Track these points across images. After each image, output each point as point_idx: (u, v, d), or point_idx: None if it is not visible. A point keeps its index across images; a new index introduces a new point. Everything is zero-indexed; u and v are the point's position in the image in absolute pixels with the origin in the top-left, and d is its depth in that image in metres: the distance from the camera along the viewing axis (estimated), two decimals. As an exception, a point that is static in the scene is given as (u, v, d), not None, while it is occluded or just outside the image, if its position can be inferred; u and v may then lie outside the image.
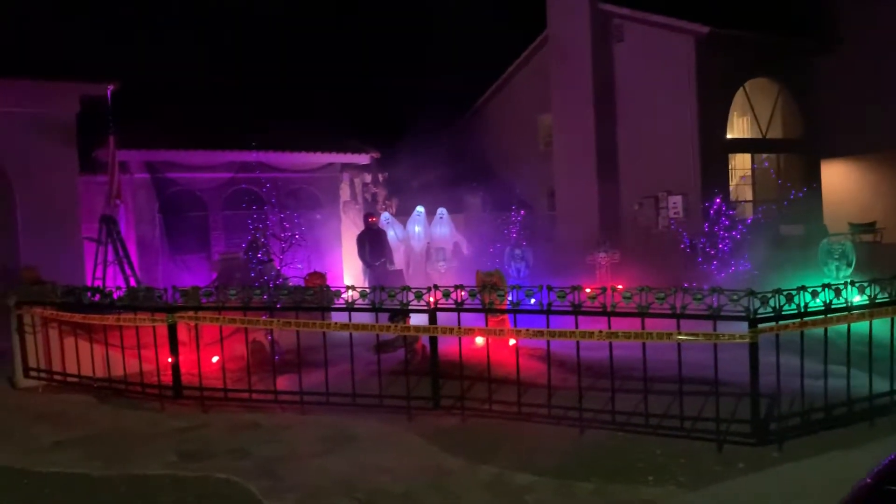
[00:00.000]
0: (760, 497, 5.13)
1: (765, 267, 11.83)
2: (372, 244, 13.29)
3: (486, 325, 7.00)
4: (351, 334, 7.13)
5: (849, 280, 6.17)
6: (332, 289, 7.16)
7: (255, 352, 8.98)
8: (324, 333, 7.17)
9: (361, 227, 16.02)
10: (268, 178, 14.75)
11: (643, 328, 6.00)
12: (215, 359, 8.98)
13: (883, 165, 18.96)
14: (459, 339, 6.92)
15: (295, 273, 12.21)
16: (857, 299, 6.17)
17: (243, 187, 15.29)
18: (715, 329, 5.81)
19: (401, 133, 19.56)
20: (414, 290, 6.84)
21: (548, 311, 6.36)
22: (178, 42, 16.12)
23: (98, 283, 12.12)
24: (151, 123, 14.21)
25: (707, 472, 5.51)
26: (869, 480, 2.80)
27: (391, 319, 7.92)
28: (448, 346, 7.87)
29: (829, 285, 6.04)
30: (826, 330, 6.01)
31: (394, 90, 21.84)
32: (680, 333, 5.82)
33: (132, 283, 12.42)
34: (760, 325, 5.70)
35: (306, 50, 19.64)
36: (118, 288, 8.59)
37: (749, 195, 18.36)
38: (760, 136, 18.70)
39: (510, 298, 6.51)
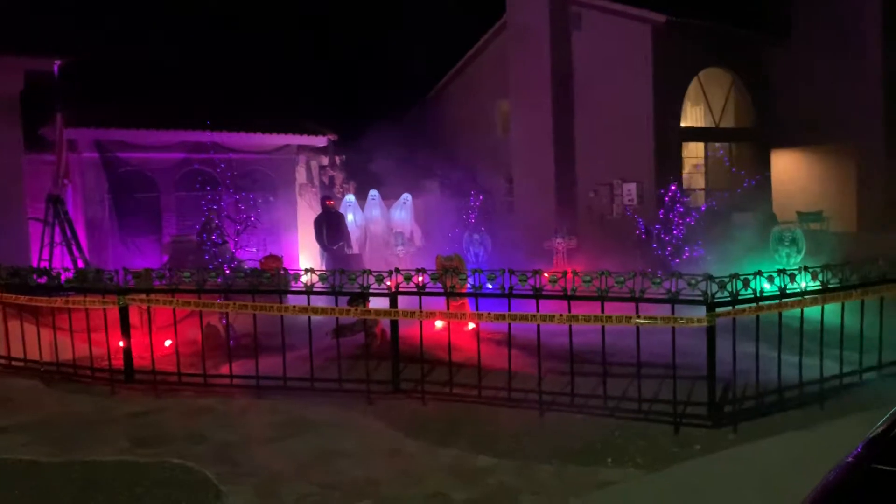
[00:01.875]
0: (716, 477, 5.22)
1: (718, 253, 12.05)
2: (330, 227, 13.13)
3: (448, 308, 6.96)
4: (310, 318, 7.04)
5: (801, 266, 6.30)
6: (291, 272, 7.03)
7: (209, 336, 8.79)
8: (281, 317, 7.06)
9: (318, 210, 15.84)
10: (222, 159, 14.42)
11: (602, 312, 6.04)
12: (168, 343, 8.80)
13: (829, 156, 19.45)
14: (420, 323, 6.87)
15: (250, 256, 11.99)
16: (803, 285, 6.28)
17: (196, 168, 14.93)
18: (673, 313, 5.88)
19: (359, 116, 19.37)
20: (375, 274, 6.77)
21: (509, 295, 6.37)
22: (130, 17, 15.61)
23: (45, 264, 11.75)
24: (101, 101, 13.75)
25: (664, 453, 5.59)
26: (851, 460, 2.83)
27: (350, 303, 7.85)
28: (408, 330, 7.81)
29: (783, 271, 6.16)
30: (780, 314, 6.13)
31: (352, 72, 21.60)
32: (639, 317, 5.88)
33: (80, 265, 12.07)
34: (718, 310, 5.78)
35: (264, 29, 19.25)
36: (66, 269, 8.33)
37: (701, 183, 18.69)
38: (713, 126, 19.02)
39: (471, 282, 6.48)
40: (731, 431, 5.92)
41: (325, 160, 16.43)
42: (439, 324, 8.71)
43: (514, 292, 6.35)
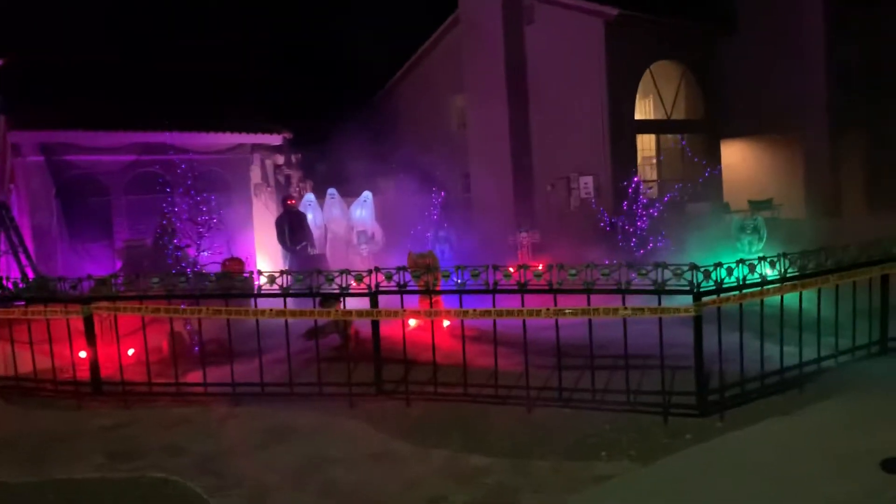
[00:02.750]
0: (710, 466, 5.24)
1: (679, 244, 12.20)
2: (292, 227, 12.85)
3: (431, 306, 6.84)
4: (287, 322, 6.84)
5: (780, 253, 6.37)
6: (266, 274, 6.81)
7: (172, 343, 8.50)
8: (257, 321, 6.85)
9: (274, 210, 15.52)
10: (174, 161, 13.99)
11: (588, 305, 6.01)
12: (131, 351, 8.49)
13: (777, 145, 19.96)
14: (403, 322, 6.74)
15: (209, 259, 11.64)
16: (768, 272, 6.34)
17: (147, 170, 14.44)
18: (660, 303, 5.89)
19: (313, 114, 19.08)
20: (354, 273, 6.61)
21: (494, 291, 6.29)
22: (74, 15, 15.00)
23: (-9, 274, 11.21)
24: (46, 103, 13.17)
25: (656, 444, 5.59)
26: None
27: (323, 304, 7.67)
28: (383, 330, 7.68)
29: (763, 258, 6.23)
30: (762, 302, 6.19)
31: (305, 69, 21.25)
32: (626, 308, 5.87)
33: (29, 273, 11.55)
34: (704, 298, 5.81)
35: (214, 27, 18.76)
36: (23, 279, 7.94)
37: (653, 175, 18.95)
38: (665, 118, 19.30)
39: (456, 279, 6.38)
40: (719, 419, 5.95)
41: (281, 159, 16.08)
42: (412, 322, 8.60)
43: (499, 287, 6.27)
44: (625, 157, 17.74)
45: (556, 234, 15.20)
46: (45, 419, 6.83)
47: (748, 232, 10.79)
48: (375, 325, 6.79)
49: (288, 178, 15.99)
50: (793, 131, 18.86)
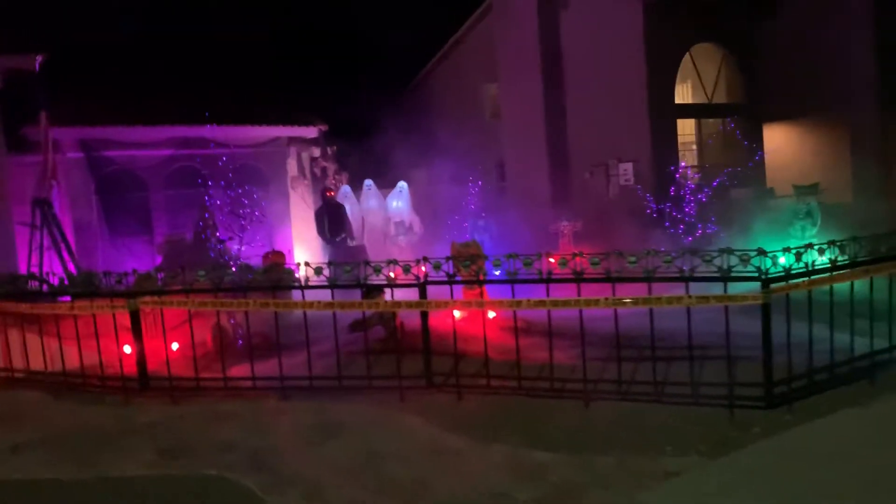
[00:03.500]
0: (781, 460, 4.99)
1: (727, 230, 11.85)
2: (331, 219, 12.74)
3: (482, 296, 6.63)
4: (335, 314, 6.70)
5: (851, 237, 6.06)
6: (312, 266, 6.67)
7: (217, 337, 8.44)
8: (304, 314, 6.72)
9: (311, 203, 15.46)
10: (211, 154, 13.97)
11: (650, 293, 5.77)
12: (175, 346, 8.43)
13: (821, 128, 19.32)
14: (453, 313, 6.56)
15: (251, 252, 11.57)
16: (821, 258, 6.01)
17: (185, 164, 14.47)
18: (726, 291, 5.63)
19: (347, 105, 18.94)
20: (402, 264, 6.45)
21: (548, 280, 6.07)
22: (113, 10, 15.02)
23: (34, 270, 11.27)
24: (84, 98, 13.22)
25: (724, 438, 5.35)
26: None
27: (365, 296, 7.53)
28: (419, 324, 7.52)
29: (833, 242, 5.93)
30: (832, 288, 5.89)
31: (339, 61, 21.14)
32: (690, 297, 5.61)
33: (71, 269, 11.60)
34: (772, 285, 5.53)
35: (248, 21, 18.71)
36: (67, 275, 7.91)
37: (694, 160, 18.51)
38: (706, 102, 18.83)
39: (507, 268, 6.17)
40: (787, 412, 5.69)
41: (317, 151, 16.01)
42: (457, 314, 8.42)
43: (553, 277, 6.06)
44: (665, 142, 17.33)
45: (596, 222, 14.87)
46: (95, 415, 6.78)
47: (801, 217, 10.42)
48: (425, 316, 6.61)
49: (324, 170, 15.90)
50: (838, 112, 18.23)
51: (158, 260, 13.36)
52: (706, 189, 11.86)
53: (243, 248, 10.56)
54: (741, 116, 19.03)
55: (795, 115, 19.25)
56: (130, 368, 7.43)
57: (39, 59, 11.26)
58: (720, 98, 19.16)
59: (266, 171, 15.51)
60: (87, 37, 13.79)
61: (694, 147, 19.24)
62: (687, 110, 18.42)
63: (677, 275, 5.69)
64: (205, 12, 17.78)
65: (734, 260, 5.55)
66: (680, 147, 18.48)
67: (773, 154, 19.22)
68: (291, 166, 15.98)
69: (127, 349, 7.51)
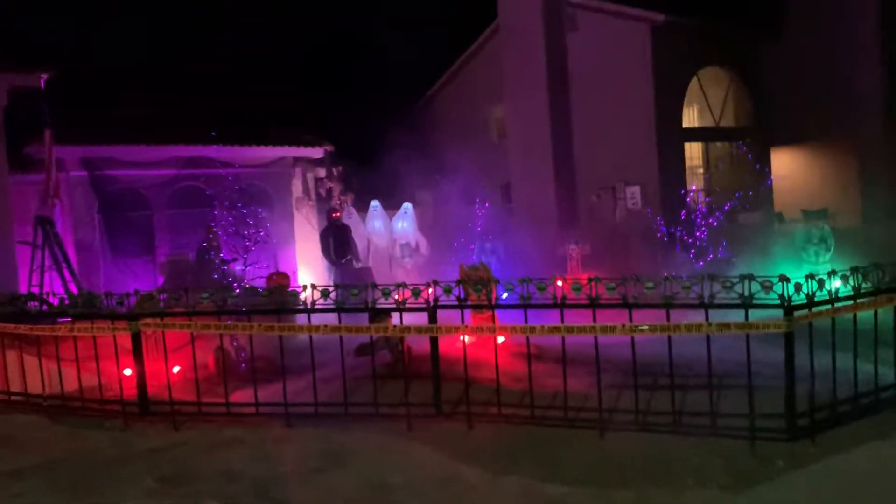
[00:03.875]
0: (808, 496, 4.79)
1: (738, 255, 11.69)
2: (336, 240, 12.59)
3: (494, 321, 6.44)
4: (341, 338, 6.52)
5: (872, 263, 5.88)
6: (319, 288, 6.50)
7: (218, 360, 8.24)
8: (310, 338, 6.54)
9: (316, 224, 15.33)
10: (216, 174, 13.86)
11: (668, 320, 5.59)
12: (176, 369, 8.24)
13: (829, 152, 19.25)
14: (464, 339, 6.37)
15: (255, 274, 11.41)
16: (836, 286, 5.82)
17: (189, 184, 14.36)
18: (747, 318, 5.44)
19: (352, 125, 18.88)
20: (411, 287, 6.27)
21: (562, 305, 5.89)
22: (116, 28, 15.00)
23: (35, 289, 11.10)
24: (88, 117, 13.15)
25: (747, 472, 5.14)
26: None
27: (372, 320, 7.35)
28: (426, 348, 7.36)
29: (856, 269, 5.75)
30: (855, 315, 5.71)
31: (344, 81, 21.10)
32: (710, 324, 5.43)
33: (72, 289, 11.45)
34: (796, 313, 5.35)
35: (254, 41, 18.71)
36: (68, 295, 7.74)
37: (701, 184, 18.38)
38: (714, 125, 18.75)
39: (520, 292, 6.00)
40: (811, 444, 5.48)
41: (322, 172, 15.90)
42: (466, 338, 8.23)
43: (567, 302, 5.88)
44: (673, 165, 17.26)
45: (604, 245, 14.73)
46: (93, 440, 6.58)
47: (815, 242, 10.25)
48: (434, 341, 6.43)
49: (329, 191, 15.78)
50: (846, 136, 18.18)
51: (160, 280, 13.21)
52: (717, 213, 11.70)
53: (247, 269, 10.39)
54: (749, 140, 18.95)
55: (803, 139, 19.18)
56: (130, 391, 7.24)
57: (45, 76, 11.18)
58: (728, 122, 19.11)
59: (271, 192, 15.39)
60: (93, 55, 13.74)
61: (701, 171, 19.15)
62: (694, 134, 18.34)
63: (696, 301, 5.50)
64: (212, 31, 17.78)
65: (756, 286, 5.37)
66: (687, 171, 18.38)
67: (780, 178, 19.09)
68: (296, 187, 15.87)
69: (127, 371, 7.33)
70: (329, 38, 22.00)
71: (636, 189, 17.26)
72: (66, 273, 11.68)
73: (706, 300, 5.47)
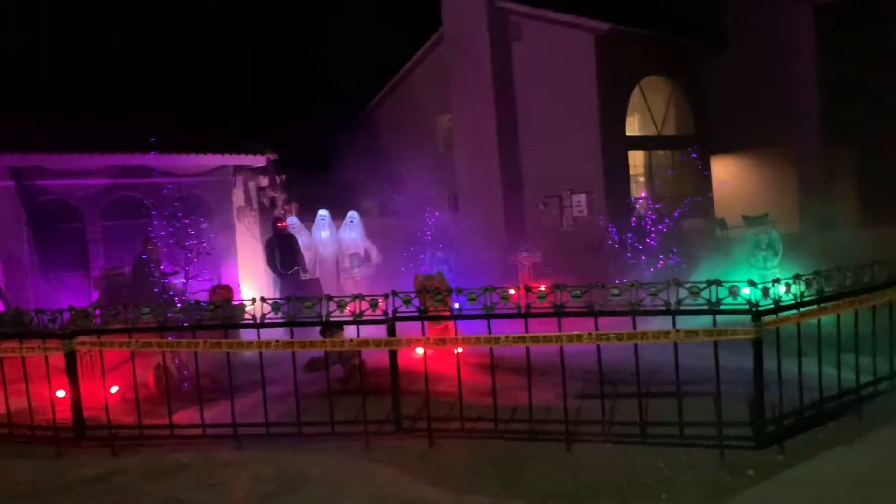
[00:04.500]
0: (787, 505, 4.69)
1: (688, 261, 11.73)
2: (283, 251, 12.15)
3: (456, 332, 6.19)
4: (294, 354, 6.18)
5: (835, 267, 5.87)
6: (270, 301, 6.16)
7: (160, 378, 7.79)
8: (260, 354, 6.18)
9: (257, 234, 14.83)
10: (153, 184, 13.26)
11: (634, 328, 5.44)
12: (115, 389, 7.77)
13: (768, 160, 19.68)
14: (424, 352, 6.11)
15: (197, 287, 10.89)
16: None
17: (124, 194, 13.70)
18: (715, 324, 5.34)
19: (295, 134, 18.46)
20: (369, 299, 5.99)
21: (526, 315, 5.69)
22: (45, 31, 14.27)
23: (-42, 307, 10.40)
24: (16, 123, 12.43)
25: (719, 483, 5.02)
26: None
27: (323, 333, 7.05)
28: (379, 360, 7.10)
29: (818, 273, 5.72)
30: (819, 320, 5.67)
31: (287, 90, 20.64)
32: (678, 331, 5.30)
33: (-1, 306, 10.77)
34: (763, 318, 5.27)
35: (193, 45, 18.09)
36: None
37: (643, 191, 18.58)
38: (656, 134, 18.98)
39: (483, 302, 5.77)
40: (779, 451, 5.40)
41: (265, 181, 15.41)
42: (420, 351, 7.97)
43: (531, 312, 5.68)
44: (617, 173, 17.37)
45: (553, 253, 14.67)
46: (22, 470, 6.07)
47: (763, 247, 10.33)
48: (393, 355, 6.15)
49: (273, 200, 15.30)
50: (784, 145, 18.62)
51: (95, 296, 12.56)
52: (667, 220, 11.74)
53: (189, 283, 9.90)
54: (690, 148, 19.25)
55: (743, 147, 19.59)
56: (65, 415, 6.74)
57: (-33, 81, 10.49)
58: (669, 130, 19.37)
59: (211, 202, 14.82)
60: (21, 58, 13.02)
61: (642, 179, 19.36)
62: (638, 142, 18.52)
63: (663, 307, 5.37)
64: (150, 36, 17.14)
65: (723, 292, 5.27)
66: (655, 177, 18.59)
67: (722, 185, 19.47)
68: (238, 196, 15.33)
69: (60, 393, 6.83)
70: (272, 46, 21.49)
71: (582, 197, 17.31)
72: (-7, 289, 10.99)
73: (672, 306, 5.35)
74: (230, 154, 14.84)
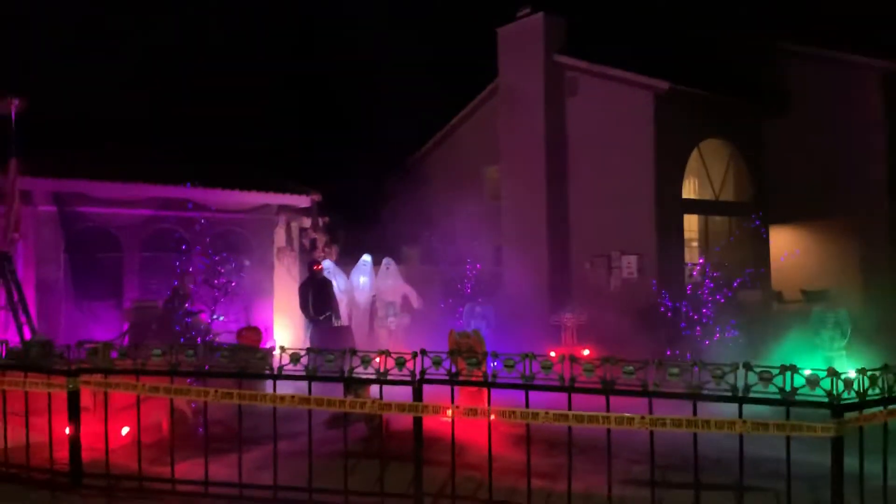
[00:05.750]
0: None
1: (745, 336, 10.93)
2: (316, 295, 11.71)
3: (489, 402, 5.55)
4: (310, 412, 5.64)
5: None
6: (289, 352, 5.66)
7: (175, 423, 7.31)
8: (274, 409, 5.65)
9: (296, 275, 14.49)
10: (194, 218, 13.07)
11: (695, 413, 4.77)
12: (125, 430, 7.33)
13: (831, 232, 18.69)
14: (453, 420, 5.50)
15: (223, 327, 10.51)
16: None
17: (165, 227, 13.53)
18: (788, 416, 4.64)
19: (340, 178, 18.26)
20: (395, 357, 5.44)
21: (570, 389, 5.06)
22: (100, 60, 14.38)
23: (-17, 332, 10.18)
24: (63, 150, 12.41)
25: None
26: None
27: (347, 390, 6.53)
28: (404, 422, 6.53)
29: (910, 364, 4.98)
30: (906, 420, 4.92)
31: (335, 133, 20.57)
32: (745, 422, 4.61)
33: (26, 332, 10.51)
34: (846, 414, 4.55)
35: (246, 83, 18.19)
36: (21, 339, 6.84)
37: (700, 258, 17.78)
38: (713, 199, 18.26)
39: (521, 370, 5.17)
40: (858, 571, 4.63)
41: (307, 222, 15.13)
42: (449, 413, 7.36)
43: (576, 386, 5.06)
44: (671, 236, 16.65)
45: (599, 315, 13.94)
46: (9, 518, 5.60)
47: (829, 327, 9.53)
48: (418, 422, 5.55)
49: (313, 242, 14.99)
50: (849, 216, 17.67)
51: (125, 327, 12.28)
52: (725, 290, 10.98)
53: (214, 322, 9.50)
54: (748, 215, 18.45)
55: (804, 216, 18.67)
56: (64, 453, 6.28)
57: (16, 102, 10.44)
58: (727, 196, 18.63)
59: (251, 239, 14.58)
60: (72, 86, 13.06)
61: (695, 244, 18.57)
62: (694, 206, 17.81)
63: (728, 394, 4.70)
64: (202, 70, 17.24)
65: (799, 380, 4.58)
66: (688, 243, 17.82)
67: (788, 257, 18.47)
68: (279, 236, 15.06)
69: (68, 431, 6.39)
70: (325, 89, 21.57)
71: (633, 258, 16.58)
72: (21, 315, 10.75)
73: (740, 392, 4.67)
74: (274, 192, 14.65)
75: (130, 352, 6.02)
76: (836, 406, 4.54)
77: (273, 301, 14.51)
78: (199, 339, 8.65)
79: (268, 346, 9.11)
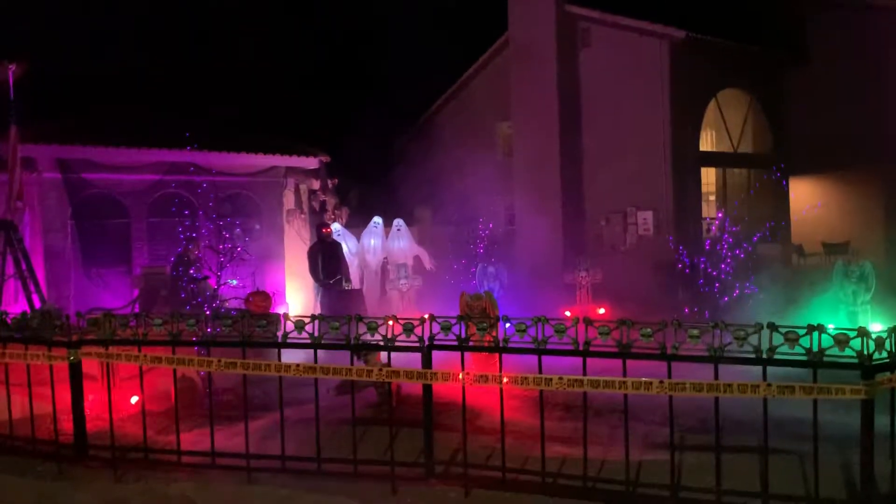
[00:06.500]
0: None
1: (766, 291, 10.63)
2: (326, 259, 11.51)
3: (500, 368, 5.34)
4: (316, 381, 5.47)
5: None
6: (294, 319, 5.47)
7: (183, 391, 7.19)
8: (280, 378, 5.48)
9: (306, 238, 14.28)
10: (202, 182, 12.85)
11: (716, 377, 4.54)
12: (134, 399, 7.24)
13: (852, 184, 18.24)
14: (463, 387, 5.31)
15: (231, 293, 10.34)
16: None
17: (172, 192, 13.31)
18: (815, 379, 4.40)
19: (349, 138, 17.95)
20: (403, 322, 5.23)
21: (585, 353, 4.84)
22: (100, 23, 14.04)
23: (-9, 301, 10.08)
24: (67, 115, 12.16)
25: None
26: None
27: (357, 356, 6.33)
28: (415, 389, 6.37)
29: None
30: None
31: (343, 92, 20.18)
32: (769, 385, 4.38)
33: (35, 301, 10.41)
34: (877, 376, 4.31)
35: (252, 44, 17.80)
36: (31, 307, 6.69)
37: (718, 212, 17.40)
38: (731, 151, 17.80)
39: (533, 335, 4.95)
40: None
41: (317, 184, 14.87)
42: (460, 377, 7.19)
43: (591, 350, 4.84)
44: (688, 191, 16.29)
45: (613, 273, 13.67)
46: (12, 491, 5.49)
47: (853, 280, 9.19)
48: (427, 389, 5.37)
49: (323, 204, 14.75)
50: (871, 167, 17.18)
51: (135, 293, 12.18)
52: (745, 244, 10.66)
53: (226, 286, 9.33)
54: (767, 168, 17.99)
55: (824, 168, 18.20)
56: (69, 424, 6.18)
57: (13, 67, 10.17)
58: (746, 148, 18.18)
59: (260, 203, 14.37)
60: (73, 49, 12.76)
61: (713, 198, 18.16)
62: (711, 158, 17.38)
63: (752, 356, 4.46)
64: (209, 33, 16.85)
65: (827, 340, 4.33)
66: (705, 197, 17.45)
67: (808, 210, 18.05)
68: (288, 198, 14.83)
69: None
70: (332, 48, 21.12)
71: (648, 214, 16.27)
72: (30, 284, 10.65)
73: (765, 354, 4.43)
74: (282, 154, 14.38)
75: (132, 322, 5.85)
76: (867, 367, 4.29)
77: (284, 265, 14.35)
78: (205, 306, 8.49)
79: (279, 310, 8.96)
